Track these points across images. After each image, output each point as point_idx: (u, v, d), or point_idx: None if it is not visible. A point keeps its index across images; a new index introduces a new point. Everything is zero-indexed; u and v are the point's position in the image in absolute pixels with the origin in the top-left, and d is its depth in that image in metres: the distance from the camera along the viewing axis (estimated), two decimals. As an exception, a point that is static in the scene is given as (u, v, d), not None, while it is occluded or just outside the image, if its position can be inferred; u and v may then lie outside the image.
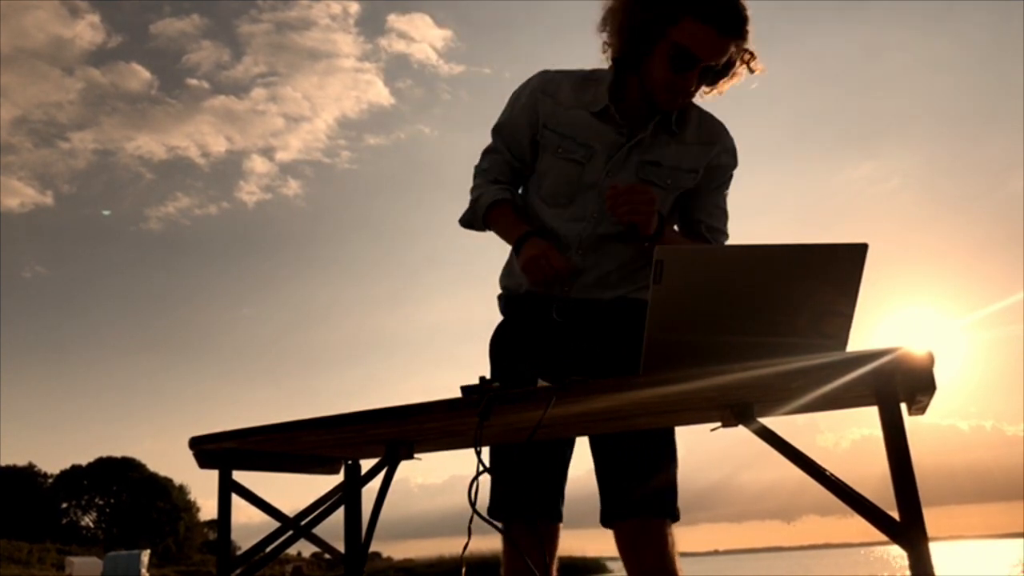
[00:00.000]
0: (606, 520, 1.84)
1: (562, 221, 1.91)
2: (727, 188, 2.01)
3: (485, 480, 1.43)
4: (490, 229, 2.02)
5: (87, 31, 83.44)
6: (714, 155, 1.94)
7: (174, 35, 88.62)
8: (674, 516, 1.81)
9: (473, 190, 2.04)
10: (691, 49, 1.75)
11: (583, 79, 1.95)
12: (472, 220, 2.04)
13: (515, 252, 1.92)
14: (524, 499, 1.88)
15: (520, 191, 2.05)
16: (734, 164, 1.99)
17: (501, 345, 1.99)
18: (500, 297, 2.04)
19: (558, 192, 1.91)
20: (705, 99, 1.93)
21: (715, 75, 1.84)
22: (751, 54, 1.85)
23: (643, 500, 1.78)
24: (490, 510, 1.89)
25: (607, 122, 1.89)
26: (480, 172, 2.06)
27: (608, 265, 1.90)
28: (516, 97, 2.00)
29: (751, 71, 1.88)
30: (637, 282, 1.91)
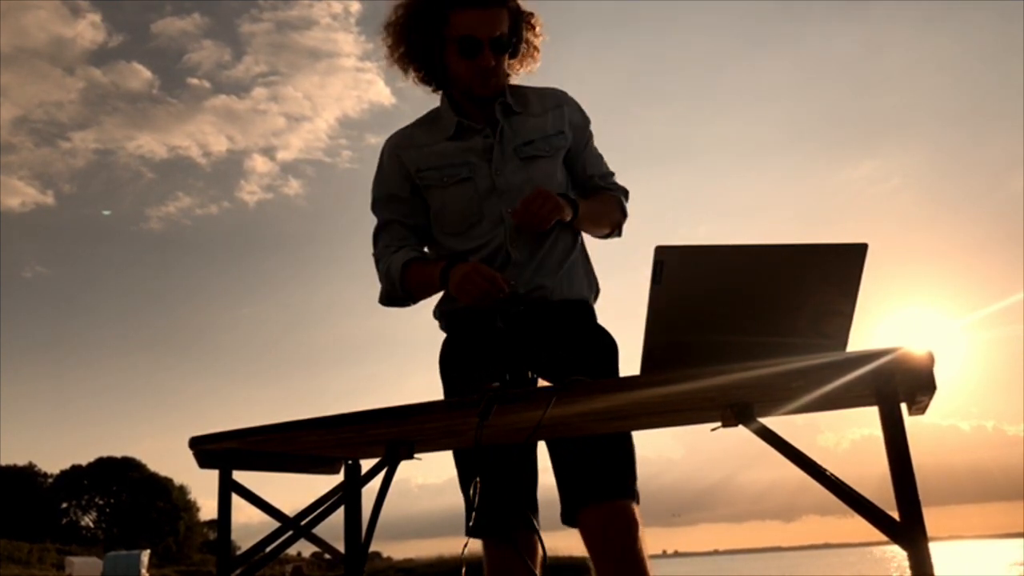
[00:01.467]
0: (568, 515, 1.80)
1: (486, 234, 1.93)
2: (593, 141, 2.11)
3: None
4: (413, 294, 1.98)
5: (88, 30, 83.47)
6: (569, 114, 2.05)
7: (175, 34, 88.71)
8: (633, 496, 1.78)
9: (380, 269, 2.02)
10: (470, 34, 1.88)
11: (427, 120, 2.06)
12: (391, 291, 1.99)
13: (444, 284, 1.88)
14: (503, 517, 1.86)
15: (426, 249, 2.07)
16: (588, 119, 2.10)
17: (450, 360, 1.99)
18: (441, 316, 2.03)
19: (466, 213, 1.95)
20: (522, 73, 2.05)
21: (511, 47, 1.95)
22: (528, 15, 1.98)
23: (602, 484, 1.75)
24: (473, 530, 1.86)
25: (468, 136, 1.98)
26: (380, 254, 2.04)
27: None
28: (378, 170, 2.07)
29: (534, 28, 2.00)
30: (574, 278, 1.98)
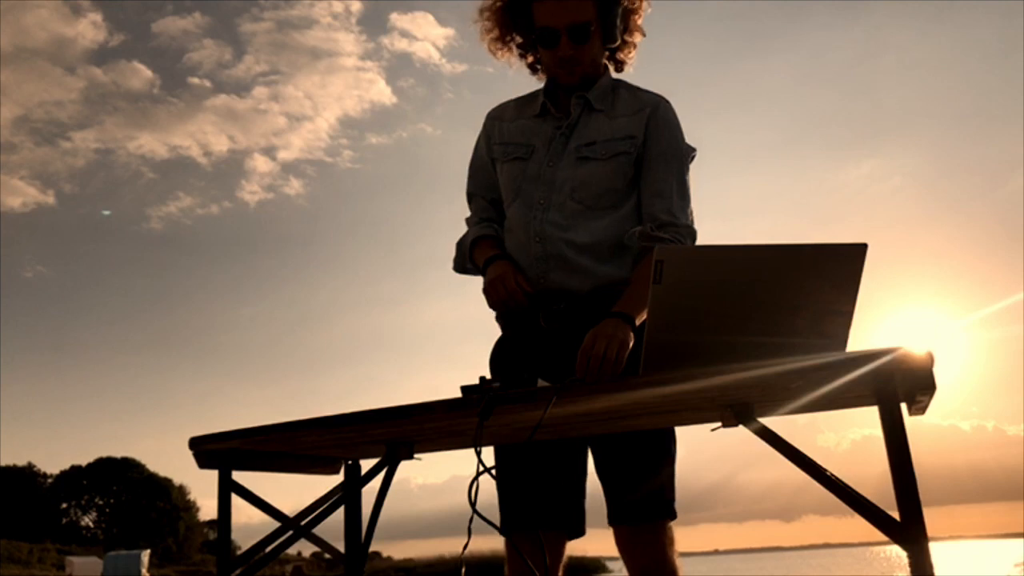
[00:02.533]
0: (610, 521, 1.84)
1: (516, 216, 1.96)
2: (679, 164, 1.92)
3: (485, 480, 1.43)
4: (480, 270, 2.00)
5: (89, 30, 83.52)
6: (648, 118, 1.93)
7: (176, 34, 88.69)
8: (671, 516, 1.81)
9: (462, 237, 2.10)
10: (546, 24, 1.89)
11: (528, 96, 2.09)
12: (461, 262, 2.08)
13: (483, 273, 1.95)
14: (545, 513, 1.85)
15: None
16: (675, 133, 1.94)
17: (500, 358, 1.98)
18: (497, 314, 2.03)
19: (507, 189, 2.00)
20: (629, 65, 2.04)
21: (589, 36, 1.89)
22: (622, 2, 1.93)
23: (639, 503, 1.79)
24: (503, 527, 1.85)
25: (547, 119, 2.00)
26: (467, 223, 2.12)
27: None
28: (477, 141, 2.14)
29: (635, 10, 1.96)
30: (616, 267, 1.88)
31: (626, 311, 1.71)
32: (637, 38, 2.01)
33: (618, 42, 1.96)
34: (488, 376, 1.81)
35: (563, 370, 1.78)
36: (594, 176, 1.91)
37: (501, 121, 2.08)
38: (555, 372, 1.79)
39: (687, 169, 1.94)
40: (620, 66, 2.03)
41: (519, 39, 2.03)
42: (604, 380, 1.56)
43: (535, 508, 1.85)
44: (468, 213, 2.13)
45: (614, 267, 1.88)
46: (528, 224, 1.91)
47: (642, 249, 1.85)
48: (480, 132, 2.13)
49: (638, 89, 2.01)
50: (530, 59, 2.06)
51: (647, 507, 1.79)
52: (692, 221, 1.91)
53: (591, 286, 1.87)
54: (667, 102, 1.97)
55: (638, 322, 1.70)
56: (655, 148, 1.91)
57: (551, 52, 1.92)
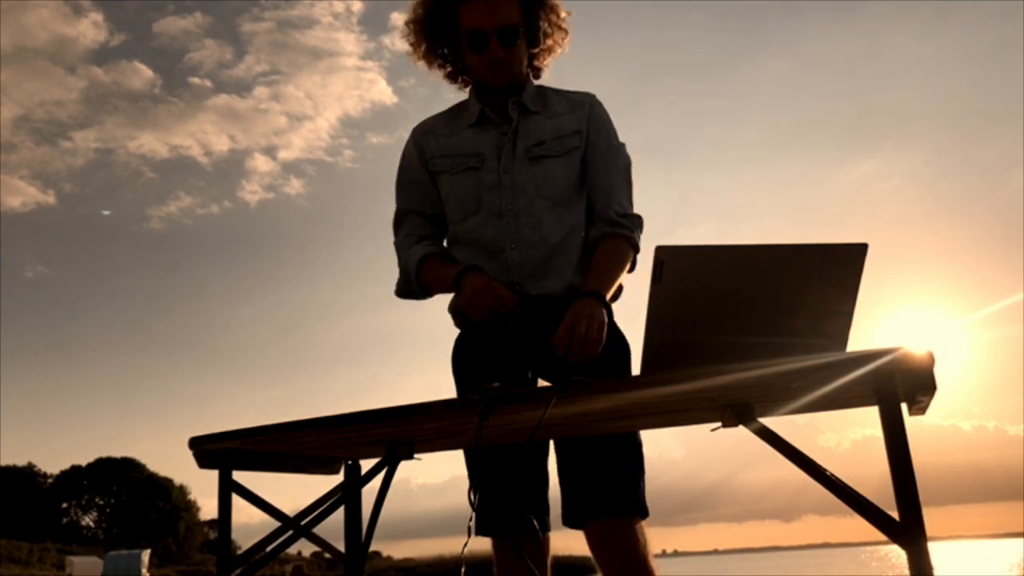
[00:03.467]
0: (570, 521, 1.81)
1: (481, 227, 1.92)
2: (620, 159, 1.98)
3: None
4: (428, 289, 1.98)
5: (90, 29, 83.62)
6: (591, 115, 1.99)
7: (176, 34, 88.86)
8: (642, 513, 1.79)
9: (400, 260, 2.02)
10: (475, 27, 1.89)
11: (454, 109, 2.06)
12: (407, 285, 2.00)
13: (456, 289, 1.88)
14: (507, 517, 1.86)
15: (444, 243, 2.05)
16: (611, 129, 2.00)
17: (461, 358, 1.97)
18: (455, 313, 2.01)
19: (465, 201, 1.95)
20: (548, 66, 2.04)
21: (519, 37, 1.91)
22: (546, 6, 1.95)
23: (608, 499, 1.76)
24: (480, 528, 1.87)
25: (488, 127, 1.98)
26: (400, 244, 2.04)
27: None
28: (402, 158, 2.07)
29: (556, 13, 1.97)
30: (581, 267, 1.92)
31: (597, 290, 1.79)
32: (557, 45, 2.01)
33: (541, 46, 1.98)
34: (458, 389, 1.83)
35: (521, 373, 1.84)
36: (554, 172, 1.94)
37: (435, 136, 2.02)
38: (521, 377, 1.85)
39: (627, 162, 2.00)
40: (537, 73, 2.04)
41: (441, 49, 2.00)
42: (585, 359, 1.69)
43: (502, 511, 1.85)
44: (393, 236, 2.06)
45: (579, 270, 1.92)
46: (501, 232, 1.91)
47: (600, 236, 1.91)
48: (406, 149, 2.06)
49: (564, 91, 2.05)
50: (448, 69, 2.03)
51: (617, 502, 1.76)
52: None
53: (563, 288, 1.90)
54: (598, 99, 2.03)
55: (608, 298, 1.80)
56: (599, 145, 1.98)
57: (480, 55, 1.91)
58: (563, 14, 1.99)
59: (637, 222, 1.94)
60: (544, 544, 1.89)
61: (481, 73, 1.95)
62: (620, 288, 1.92)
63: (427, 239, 2.01)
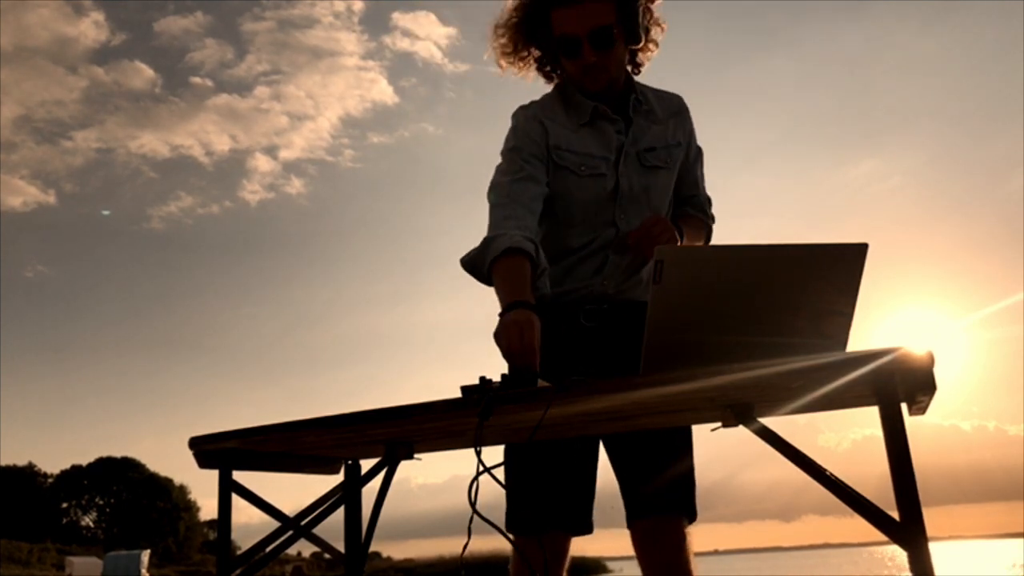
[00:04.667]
0: (630, 517, 1.83)
1: (592, 234, 1.90)
2: (701, 156, 2.06)
3: (485, 480, 1.43)
4: (492, 279, 1.72)
5: (91, 29, 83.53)
6: (686, 123, 2.01)
7: (178, 33, 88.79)
8: (691, 514, 1.80)
9: (491, 227, 1.79)
10: (566, 33, 1.82)
11: (561, 100, 1.95)
12: (476, 263, 1.75)
13: (503, 312, 1.61)
14: (545, 514, 1.84)
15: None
16: (695, 133, 2.05)
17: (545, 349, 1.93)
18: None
19: (590, 209, 1.89)
20: (648, 63, 1.99)
21: (613, 40, 1.84)
22: (641, 4, 1.88)
23: (658, 498, 1.77)
24: (509, 525, 1.85)
25: (602, 125, 1.91)
26: (502, 204, 1.80)
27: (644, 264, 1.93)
28: (515, 131, 1.92)
29: (651, 7, 1.92)
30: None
31: (680, 225, 1.91)
32: (658, 35, 1.95)
33: (642, 42, 1.90)
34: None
35: (591, 372, 1.79)
36: (666, 184, 1.95)
37: (558, 125, 1.91)
38: (586, 372, 1.80)
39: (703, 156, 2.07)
40: (638, 68, 1.98)
41: (536, 52, 1.95)
42: (636, 253, 1.84)
43: (546, 510, 1.84)
44: (493, 196, 1.83)
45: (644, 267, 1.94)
46: (608, 242, 1.89)
47: (691, 215, 2.03)
48: (524, 125, 1.91)
49: (657, 90, 2.02)
50: (547, 68, 1.98)
51: (666, 500, 1.78)
52: None
53: (642, 295, 1.91)
54: (681, 97, 2.04)
55: (683, 241, 1.88)
56: (691, 151, 2.03)
57: (574, 61, 1.85)
58: (658, 2, 1.93)
59: (713, 219, 2.08)
60: (565, 547, 1.88)
61: (577, 78, 1.89)
62: None
63: (531, 231, 1.76)
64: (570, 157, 1.88)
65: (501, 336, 1.55)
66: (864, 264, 1.30)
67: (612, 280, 1.90)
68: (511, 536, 1.87)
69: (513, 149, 1.89)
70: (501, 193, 1.83)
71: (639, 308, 1.85)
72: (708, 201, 2.07)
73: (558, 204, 1.89)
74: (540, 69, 1.99)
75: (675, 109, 1.99)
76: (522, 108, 1.96)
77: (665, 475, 1.79)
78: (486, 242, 1.74)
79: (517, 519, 1.86)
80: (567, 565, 1.90)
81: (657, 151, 1.93)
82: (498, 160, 1.92)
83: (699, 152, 2.05)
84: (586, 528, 1.89)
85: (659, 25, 1.94)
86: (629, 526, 1.83)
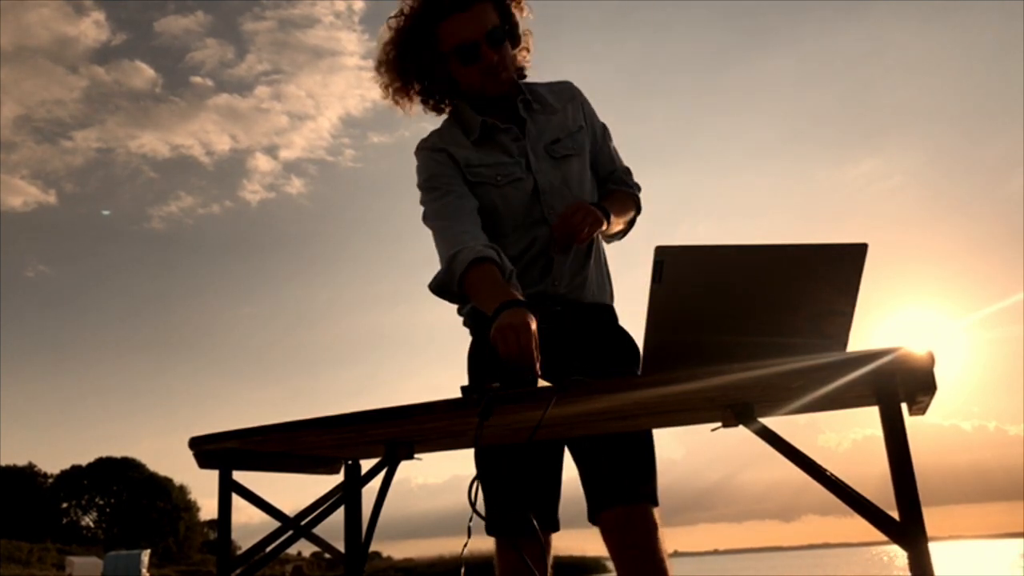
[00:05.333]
0: (592, 517, 1.82)
1: (528, 237, 1.89)
2: (608, 132, 2.08)
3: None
4: (465, 295, 1.73)
5: (91, 29, 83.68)
6: (584, 108, 2.04)
7: (178, 33, 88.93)
8: (653, 501, 1.78)
9: (444, 249, 1.78)
10: (463, 41, 1.85)
11: (453, 127, 1.97)
12: (444, 284, 1.75)
13: (493, 315, 1.58)
14: (513, 517, 1.86)
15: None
16: (594, 110, 2.07)
17: (481, 360, 1.93)
18: (469, 316, 1.97)
19: (520, 213, 1.89)
20: (529, 60, 2.02)
21: (506, 36, 1.90)
22: (517, 3, 1.94)
23: (622, 489, 1.77)
24: (488, 528, 1.88)
25: (495, 136, 1.92)
26: (445, 230, 1.80)
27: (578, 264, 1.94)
28: (427, 169, 1.92)
29: (520, 6, 1.96)
30: (601, 279, 1.98)
31: (604, 205, 1.90)
32: (529, 40, 2.00)
33: (521, 44, 1.97)
34: (466, 382, 1.82)
35: (547, 374, 1.81)
36: (582, 170, 1.96)
37: (455, 146, 1.91)
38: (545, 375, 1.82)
39: (608, 131, 2.10)
40: (521, 73, 2.01)
41: (417, 86, 1.95)
42: (562, 243, 1.83)
43: (517, 510, 1.86)
44: (432, 220, 1.85)
45: (595, 267, 1.97)
46: (547, 241, 1.89)
47: (614, 189, 2.03)
48: (428, 160, 1.92)
49: (546, 83, 2.05)
50: (432, 101, 1.98)
51: (627, 489, 1.76)
52: None
53: (591, 301, 1.93)
54: (571, 82, 2.07)
55: (608, 222, 1.88)
56: (596, 130, 2.05)
57: (473, 66, 1.86)
58: (523, 6, 1.97)
59: (638, 188, 2.08)
60: (547, 544, 1.89)
61: (476, 85, 1.90)
62: (620, 234, 2.07)
63: (485, 242, 1.76)
64: (483, 171, 1.90)
65: (498, 340, 1.53)
66: (864, 264, 1.30)
67: (561, 280, 1.90)
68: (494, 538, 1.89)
69: (429, 179, 1.90)
70: (439, 216, 1.84)
71: (588, 309, 1.92)
72: (627, 171, 2.08)
73: (487, 220, 1.88)
74: (426, 103, 1.99)
75: (568, 96, 2.03)
76: (421, 143, 1.97)
77: (630, 466, 1.78)
78: (448, 260, 1.74)
79: (494, 522, 1.88)
80: (550, 563, 1.90)
81: (563, 141, 1.95)
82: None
83: (604, 128, 2.07)
84: (552, 526, 1.89)
85: (528, 29, 2.00)
86: (594, 520, 1.81)
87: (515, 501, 1.87)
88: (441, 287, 1.77)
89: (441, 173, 1.90)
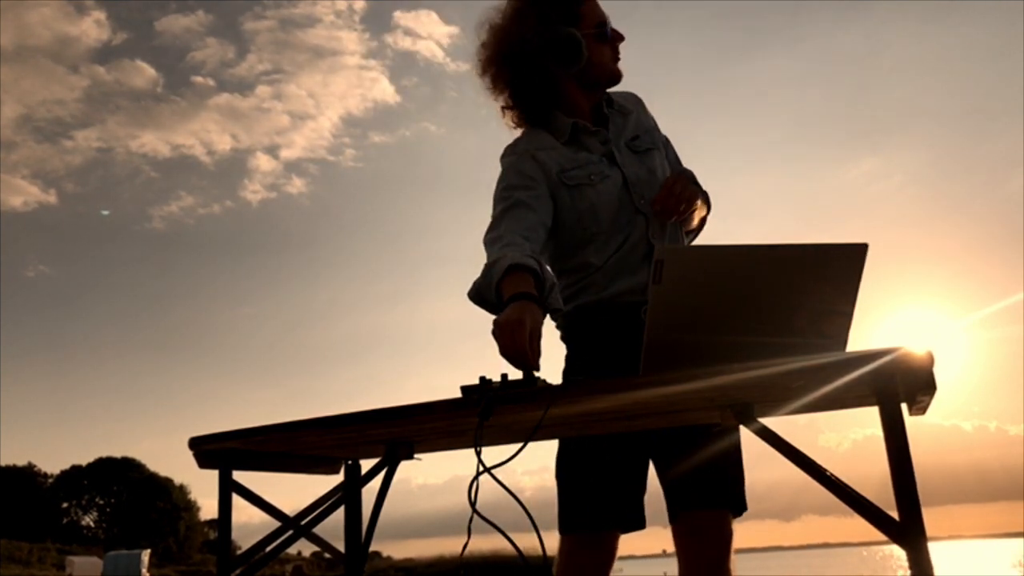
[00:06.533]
0: (675, 511, 1.81)
1: (625, 229, 1.88)
2: (672, 147, 2.11)
3: (485, 480, 1.43)
4: (503, 303, 1.57)
5: (92, 28, 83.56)
6: (649, 114, 2.08)
7: (179, 32, 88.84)
8: (736, 508, 1.79)
9: (489, 254, 1.69)
10: (602, 20, 1.96)
11: (536, 131, 1.96)
12: (482, 291, 1.64)
13: (503, 307, 1.54)
14: (609, 512, 1.83)
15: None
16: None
17: (599, 359, 1.86)
18: (574, 311, 1.89)
19: (616, 208, 1.88)
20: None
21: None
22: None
23: (702, 490, 1.76)
24: (567, 525, 1.84)
25: (582, 140, 1.94)
26: (496, 238, 1.73)
27: None
28: (508, 171, 1.90)
29: None
30: None
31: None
32: None
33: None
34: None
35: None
36: (660, 163, 2.00)
37: (546, 151, 1.90)
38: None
39: None
40: None
41: (507, 92, 1.97)
42: (664, 216, 1.87)
43: (600, 508, 1.83)
44: (488, 233, 1.78)
45: None
46: (644, 229, 1.88)
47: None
48: (515, 165, 1.89)
49: (618, 91, 2.07)
50: (521, 107, 1.97)
51: (711, 492, 1.76)
52: None
53: None
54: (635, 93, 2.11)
55: (702, 195, 1.95)
56: (661, 132, 2.09)
57: (607, 46, 1.95)
58: None
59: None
60: (615, 543, 1.87)
61: (607, 66, 1.96)
62: (696, 230, 2.07)
63: (532, 244, 1.70)
64: (578, 173, 1.88)
65: (495, 336, 1.49)
66: (864, 264, 1.30)
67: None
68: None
69: (506, 189, 1.85)
70: (496, 226, 1.78)
71: None
72: (693, 176, 2.06)
73: (588, 219, 1.86)
74: (517, 107, 1.97)
75: (635, 100, 2.08)
76: (510, 147, 1.95)
77: (709, 466, 1.76)
78: (487, 267, 1.66)
79: (571, 518, 1.84)
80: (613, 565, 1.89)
81: (641, 137, 1.99)
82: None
83: (667, 137, 2.11)
84: (638, 523, 1.86)
85: None
86: (672, 520, 1.80)
87: (597, 500, 1.83)
88: (479, 295, 1.67)
89: (518, 182, 1.85)
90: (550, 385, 1.39)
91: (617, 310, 1.86)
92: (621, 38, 1.98)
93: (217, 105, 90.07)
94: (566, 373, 1.91)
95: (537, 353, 1.47)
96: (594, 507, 1.83)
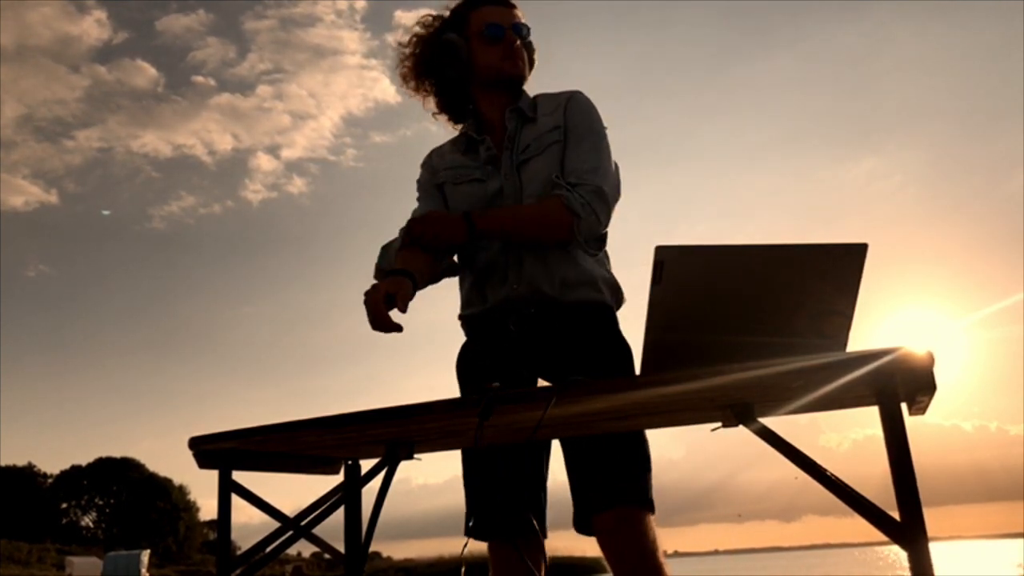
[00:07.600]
0: (580, 522, 1.80)
1: (492, 242, 1.94)
2: (595, 139, 1.94)
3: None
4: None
5: (93, 28, 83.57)
6: (569, 110, 1.99)
7: (180, 32, 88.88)
8: (649, 505, 1.77)
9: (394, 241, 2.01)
10: (491, 22, 1.98)
11: (455, 138, 2.11)
12: (381, 267, 1.97)
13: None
14: (507, 520, 1.86)
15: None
16: (589, 115, 1.97)
17: (463, 364, 2.02)
18: (461, 319, 2.05)
19: (467, 208, 1.95)
20: (529, 75, 2.07)
21: (528, 40, 2.05)
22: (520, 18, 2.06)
23: (615, 490, 1.75)
24: (471, 531, 1.88)
25: (476, 147, 2.02)
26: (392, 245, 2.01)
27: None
28: (419, 180, 2.13)
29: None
30: (586, 280, 1.92)
31: (473, 215, 1.87)
32: (536, 57, 2.10)
33: (533, 57, 2.08)
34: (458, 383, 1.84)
35: (521, 377, 1.86)
36: (536, 170, 1.94)
37: (440, 157, 2.09)
38: (520, 378, 1.86)
39: (606, 144, 1.95)
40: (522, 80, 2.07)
41: (431, 86, 2.07)
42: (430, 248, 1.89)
43: (495, 517, 1.86)
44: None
45: (571, 267, 1.92)
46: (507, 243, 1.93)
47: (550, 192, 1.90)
48: (422, 166, 2.13)
49: (551, 93, 2.07)
50: (445, 100, 2.08)
51: (624, 491, 1.75)
52: (610, 186, 1.89)
53: (559, 288, 1.90)
54: (581, 93, 2.02)
55: (479, 227, 1.86)
56: (572, 130, 1.95)
57: (496, 46, 1.97)
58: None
59: (590, 190, 1.85)
60: (542, 547, 1.89)
61: (499, 65, 1.98)
62: (548, 238, 1.88)
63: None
64: (447, 173, 2.05)
65: (366, 305, 1.74)
66: (864, 264, 1.30)
67: (521, 282, 1.91)
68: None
69: (417, 188, 2.12)
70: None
71: (565, 310, 1.90)
72: (580, 173, 1.88)
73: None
74: (441, 102, 2.09)
75: (558, 104, 2.00)
76: (426, 157, 2.14)
77: (619, 467, 1.76)
78: (385, 249, 1.97)
79: (478, 525, 1.88)
80: (544, 568, 1.88)
81: (530, 145, 1.97)
82: None
83: (589, 130, 1.94)
84: (541, 530, 1.87)
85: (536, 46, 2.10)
86: (581, 527, 1.79)
87: (507, 503, 1.85)
88: (379, 271, 1.95)
89: (420, 182, 2.11)
90: (550, 385, 1.39)
91: (485, 322, 1.98)
92: (517, 38, 1.99)
93: (218, 105, 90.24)
94: (458, 363, 2.04)
95: (389, 318, 1.70)
96: (490, 516, 1.86)
